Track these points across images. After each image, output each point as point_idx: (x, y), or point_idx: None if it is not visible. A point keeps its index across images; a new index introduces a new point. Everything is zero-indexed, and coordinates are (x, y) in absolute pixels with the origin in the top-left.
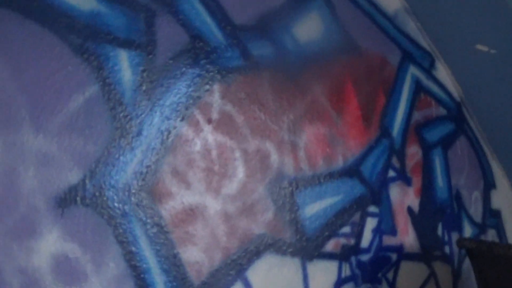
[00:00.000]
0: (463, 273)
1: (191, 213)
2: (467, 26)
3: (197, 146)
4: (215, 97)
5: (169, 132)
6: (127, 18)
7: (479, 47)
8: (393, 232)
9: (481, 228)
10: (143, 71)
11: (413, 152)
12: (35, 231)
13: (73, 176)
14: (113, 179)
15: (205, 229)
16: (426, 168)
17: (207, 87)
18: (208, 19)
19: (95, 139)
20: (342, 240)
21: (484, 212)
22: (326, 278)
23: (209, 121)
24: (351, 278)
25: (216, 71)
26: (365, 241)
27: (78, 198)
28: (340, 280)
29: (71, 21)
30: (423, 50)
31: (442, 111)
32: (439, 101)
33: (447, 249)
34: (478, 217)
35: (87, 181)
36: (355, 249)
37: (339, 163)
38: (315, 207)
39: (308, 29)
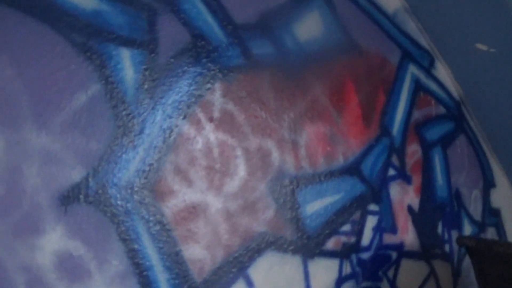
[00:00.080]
0: (463, 271)
1: (193, 211)
2: (466, 25)
3: (199, 144)
4: (217, 96)
5: (171, 131)
6: (129, 17)
7: (479, 46)
8: (393, 230)
9: (480, 226)
10: (145, 69)
11: (413, 150)
12: (38, 229)
13: (76, 174)
14: (115, 177)
15: (207, 227)
16: (426, 167)
17: (209, 85)
18: (209, 18)
19: (97, 137)
20: (343, 238)
21: (483, 210)
22: (327, 276)
23: (211, 119)
24: (352, 276)
25: (218, 70)
26: (365, 239)
27: (81, 196)
28: (341, 278)
29: (74, 19)
30: (422, 49)
31: (441, 110)
32: (438, 100)
33: (447, 247)
34: (477, 216)
35: (90, 179)
36: (356, 247)
37: (339, 161)
38: (316, 205)
39: (309, 28)
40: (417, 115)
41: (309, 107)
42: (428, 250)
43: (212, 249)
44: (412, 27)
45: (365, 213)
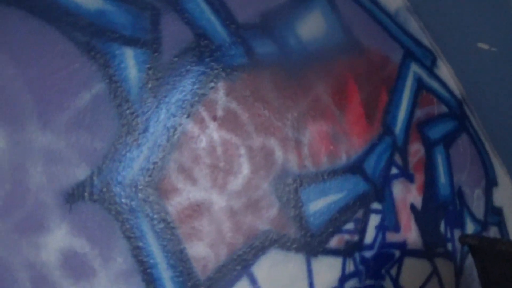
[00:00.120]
0: (465, 269)
1: (197, 209)
2: (468, 24)
3: (203, 143)
4: (220, 95)
5: (175, 129)
6: (133, 16)
7: (480, 45)
8: (396, 228)
9: (483, 225)
10: (149, 68)
11: (416, 149)
12: (43, 227)
13: (80, 172)
14: (120, 175)
15: (211, 225)
16: (429, 165)
17: (212, 84)
18: (212, 18)
19: (102, 136)
20: (346, 236)
21: (486, 209)
22: (331, 274)
23: (214, 118)
24: (355, 274)
25: (221, 69)
26: (368, 238)
27: (85, 194)
28: (344, 276)
29: (77, 19)
30: (424, 48)
31: (443, 109)
32: (440, 99)
33: (449, 246)
34: (480, 214)
35: (94, 177)
36: (359, 245)
37: (342, 160)
38: (319, 204)
39: (311, 27)
40: (419, 113)
41: (312, 106)
42: (431, 248)
43: (216, 247)
44: (414, 26)
45: (368, 212)
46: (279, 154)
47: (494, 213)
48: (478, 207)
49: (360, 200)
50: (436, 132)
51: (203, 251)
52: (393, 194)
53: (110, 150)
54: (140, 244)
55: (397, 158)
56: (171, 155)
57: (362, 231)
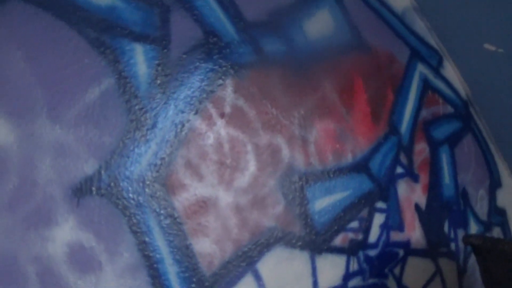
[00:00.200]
0: (469, 269)
1: (204, 205)
2: (475, 25)
3: (210, 139)
4: (228, 92)
5: (183, 125)
6: (143, 12)
7: (487, 46)
8: (400, 228)
9: (486, 225)
10: (158, 65)
11: (421, 149)
12: (51, 220)
13: (88, 167)
14: (128, 170)
15: (217, 221)
16: (433, 165)
17: (220, 81)
18: (221, 15)
19: (110, 131)
20: (350, 235)
21: (489, 210)
22: (335, 272)
23: (222, 115)
24: (359, 272)
25: (229, 66)
26: (372, 236)
27: (93, 188)
28: (348, 274)
29: (88, 14)
30: (431, 48)
31: (449, 109)
32: (446, 99)
33: (453, 246)
34: (483, 215)
35: (102, 172)
36: (363, 244)
37: (348, 158)
38: (325, 202)
39: (319, 26)
40: (425, 113)
41: (319, 104)
42: (435, 248)
43: (222, 243)
44: (420, 26)
45: (372, 210)
46: (285, 151)
47: (498, 214)
48: (481, 207)
49: (365, 199)
50: (441, 132)
51: (208, 247)
52: (398, 193)
53: (118, 145)
54: (147, 239)
55: (402, 158)
56: (178, 151)
57: (366, 230)
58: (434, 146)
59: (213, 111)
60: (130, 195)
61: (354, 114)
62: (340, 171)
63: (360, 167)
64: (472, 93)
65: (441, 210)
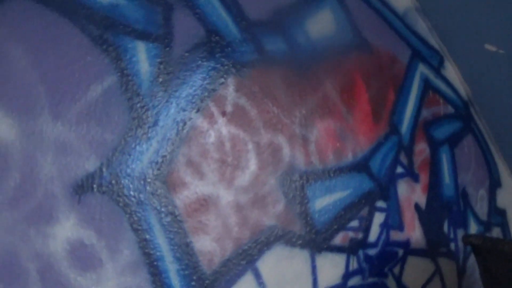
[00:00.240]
0: (468, 269)
1: (204, 203)
2: (476, 25)
3: (211, 137)
4: (230, 90)
5: (185, 123)
6: (145, 10)
7: (488, 47)
8: (400, 227)
9: (486, 226)
10: (160, 63)
11: (421, 149)
12: (52, 217)
13: (90, 164)
14: (129, 168)
15: (218, 219)
16: (433, 165)
17: (222, 80)
18: (223, 14)
19: (112, 128)
20: (350, 234)
21: (489, 210)
22: (334, 271)
23: (223, 113)
24: (359, 271)
25: (231, 65)
26: (372, 236)
27: (94, 186)
28: (348, 273)
29: (91, 12)
30: (432, 48)
31: (450, 110)
32: (447, 99)
33: (452, 246)
34: (483, 215)
35: (104, 169)
36: (363, 243)
37: (348, 158)
38: (325, 201)
39: (321, 25)
40: (425, 114)
41: (320, 103)
42: (434, 248)
43: (222, 241)
44: (422, 26)
45: (372, 210)
46: (286, 150)
47: (498, 214)
48: (481, 208)
49: (365, 198)
50: (441, 132)
51: (209, 245)
52: (398, 193)
53: (120, 142)
54: (147, 236)
55: (403, 158)
56: (180, 149)
57: (366, 229)
58: (435, 146)
59: (214, 110)
60: (131, 192)
61: (355, 114)
62: (340, 170)
63: (361, 166)
64: (472, 93)
65: (441, 210)
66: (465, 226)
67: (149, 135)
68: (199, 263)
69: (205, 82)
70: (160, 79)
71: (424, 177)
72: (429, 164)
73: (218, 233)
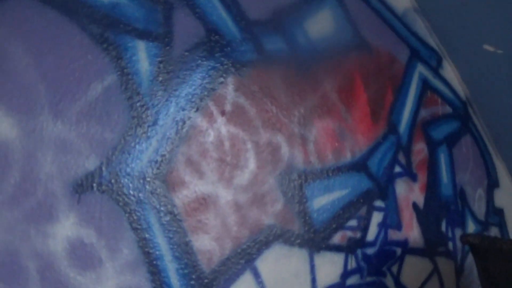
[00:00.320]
0: (466, 268)
1: (204, 202)
2: (474, 26)
3: (211, 137)
4: (229, 90)
5: (184, 123)
6: (146, 9)
7: (486, 47)
8: (398, 226)
9: (484, 225)
10: (160, 62)
11: (419, 148)
12: (52, 216)
13: (90, 163)
14: (129, 167)
15: (217, 218)
16: (432, 165)
17: (221, 79)
18: (223, 14)
19: (112, 127)
20: (349, 233)
21: (487, 210)
22: (333, 270)
23: (223, 112)
24: (357, 270)
25: (231, 64)
26: (371, 235)
27: (94, 185)
28: (346, 272)
29: (91, 11)
30: (431, 49)
31: (448, 110)
32: (445, 99)
33: (450, 245)
34: (481, 215)
35: (103, 168)
36: (361, 242)
37: (347, 157)
38: (323, 200)
39: (320, 25)
40: (424, 113)
41: (319, 103)
42: (432, 247)
43: (221, 241)
44: (421, 27)
45: (371, 209)
46: (285, 150)
47: (495, 214)
48: (479, 207)
49: (363, 198)
50: (440, 132)
51: (208, 244)
52: (396, 192)
53: (119, 141)
54: (147, 235)
55: (401, 157)
56: (179, 148)
57: (364, 228)
58: (433, 146)
59: (214, 109)
60: (131, 191)
61: (354, 114)
62: (339, 169)
63: (359, 166)
64: (471, 93)
65: (439, 209)
66: (463, 225)
67: (149, 134)
68: (198, 262)
69: (205, 81)
70: (160, 78)
71: (422, 177)
72: (427, 163)
73: (217, 232)
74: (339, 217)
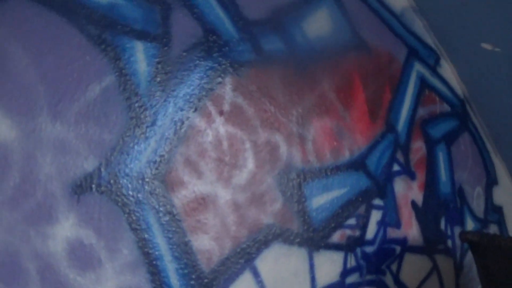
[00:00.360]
0: (465, 266)
1: (202, 202)
2: (472, 24)
3: (209, 136)
4: (227, 90)
5: (182, 123)
6: (144, 10)
7: (484, 45)
8: (397, 225)
9: (483, 223)
10: (158, 62)
11: (418, 147)
12: (51, 217)
13: (89, 164)
14: (127, 168)
15: (216, 218)
16: (430, 163)
17: (219, 79)
18: (221, 14)
19: (110, 128)
20: (348, 232)
21: (486, 207)
22: (332, 268)
23: (221, 112)
24: (356, 269)
25: (228, 64)
26: (370, 233)
27: (93, 186)
28: (346, 271)
29: (90, 12)
30: (428, 47)
31: (446, 108)
32: (443, 98)
33: (449, 243)
34: (480, 213)
35: (102, 169)
36: (360, 241)
37: (345, 156)
38: (322, 199)
39: (318, 25)
40: (422, 112)
41: (317, 102)
42: (431, 245)
43: (220, 240)
44: (418, 25)
45: (370, 208)
46: (283, 149)
47: (494, 212)
48: (478, 205)
49: (362, 196)
50: (438, 130)
51: (207, 244)
52: (395, 190)
53: (118, 142)
54: (146, 236)
55: (399, 156)
56: (178, 148)
57: (363, 227)
58: (431, 144)
59: (212, 109)
60: (130, 192)
61: (352, 112)
62: (337, 168)
63: (358, 164)
64: (469, 91)
65: (438, 207)
66: (462, 223)
67: (147, 134)
68: (198, 262)
69: (203, 81)
70: (158, 79)
71: (420, 175)
72: (425, 162)
73: (217, 232)
74: (338, 216)
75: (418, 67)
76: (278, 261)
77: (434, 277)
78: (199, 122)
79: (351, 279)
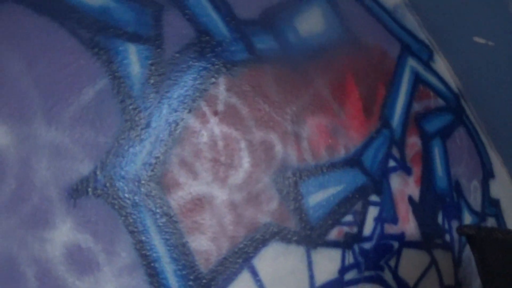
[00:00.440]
0: (464, 260)
1: (199, 203)
2: (465, 19)
3: (204, 137)
4: (221, 90)
5: (177, 124)
6: (136, 12)
7: (477, 39)
8: (394, 220)
9: (480, 216)
10: (151, 64)
11: (413, 142)
12: (48, 222)
13: (84, 168)
14: (123, 170)
15: (213, 218)
16: (426, 158)
17: (213, 80)
18: (213, 14)
19: (105, 131)
20: (345, 229)
21: (483, 201)
22: (330, 266)
23: (215, 113)
24: (355, 265)
25: (222, 64)
26: (367, 230)
27: (89, 189)
28: (344, 268)
29: (82, 15)
30: (421, 43)
31: (440, 103)
32: (437, 92)
33: (447, 237)
34: (477, 206)
35: (98, 172)
36: (358, 237)
37: (341, 153)
38: (319, 197)
39: (310, 23)
40: (416, 107)
41: (312, 100)
42: (429, 240)
43: (218, 240)
44: (411, 21)
45: (366, 204)
46: (279, 148)
47: (491, 205)
48: (475, 199)
49: (358, 193)
50: (433, 125)
51: (205, 245)
52: (391, 186)
53: (113, 145)
54: (143, 238)
55: (395, 151)
56: (173, 150)
57: (361, 223)
58: (426, 139)
59: (206, 109)
60: (126, 195)
61: (347, 110)
62: (333, 166)
63: (353, 161)
64: (463, 86)
65: (435, 202)
66: (459, 217)
67: (142, 136)
68: (196, 263)
69: (197, 82)
70: (152, 81)
71: (416, 170)
72: (421, 157)
73: (214, 232)
74: (335, 213)
75: (411, 63)
76: (276, 260)
77: (432, 271)
78: (193, 123)
79: (350, 275)
